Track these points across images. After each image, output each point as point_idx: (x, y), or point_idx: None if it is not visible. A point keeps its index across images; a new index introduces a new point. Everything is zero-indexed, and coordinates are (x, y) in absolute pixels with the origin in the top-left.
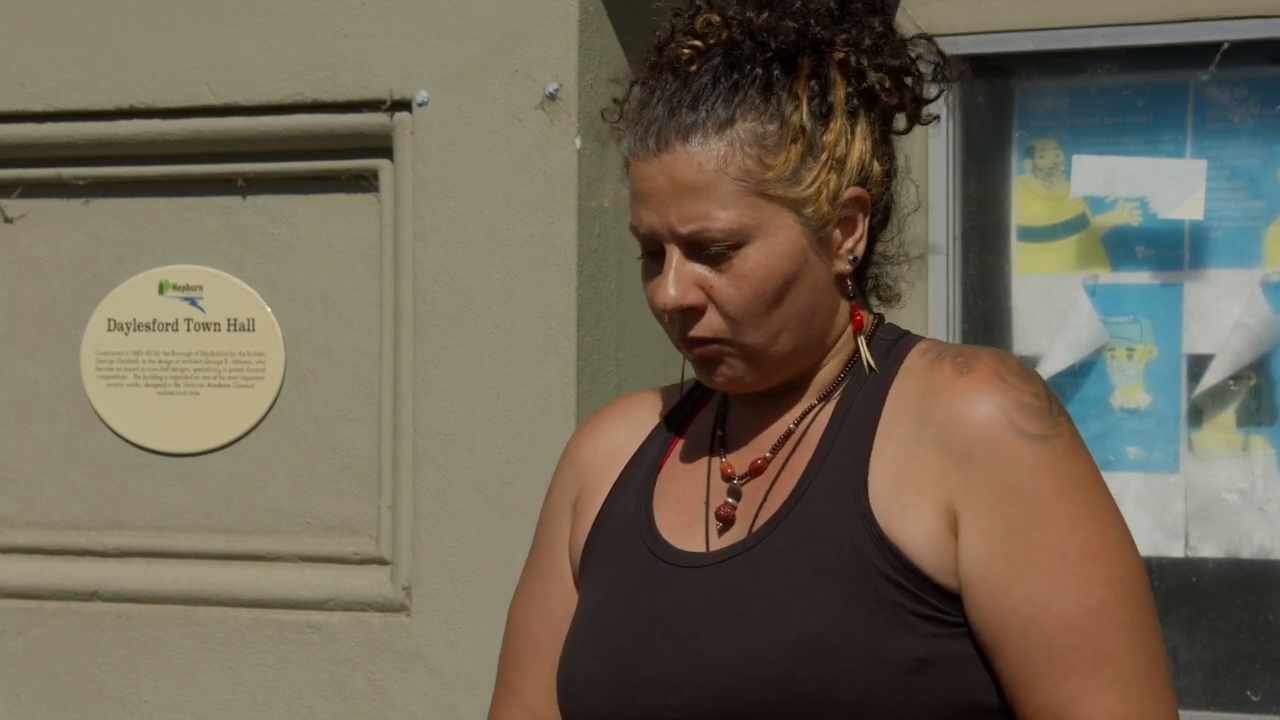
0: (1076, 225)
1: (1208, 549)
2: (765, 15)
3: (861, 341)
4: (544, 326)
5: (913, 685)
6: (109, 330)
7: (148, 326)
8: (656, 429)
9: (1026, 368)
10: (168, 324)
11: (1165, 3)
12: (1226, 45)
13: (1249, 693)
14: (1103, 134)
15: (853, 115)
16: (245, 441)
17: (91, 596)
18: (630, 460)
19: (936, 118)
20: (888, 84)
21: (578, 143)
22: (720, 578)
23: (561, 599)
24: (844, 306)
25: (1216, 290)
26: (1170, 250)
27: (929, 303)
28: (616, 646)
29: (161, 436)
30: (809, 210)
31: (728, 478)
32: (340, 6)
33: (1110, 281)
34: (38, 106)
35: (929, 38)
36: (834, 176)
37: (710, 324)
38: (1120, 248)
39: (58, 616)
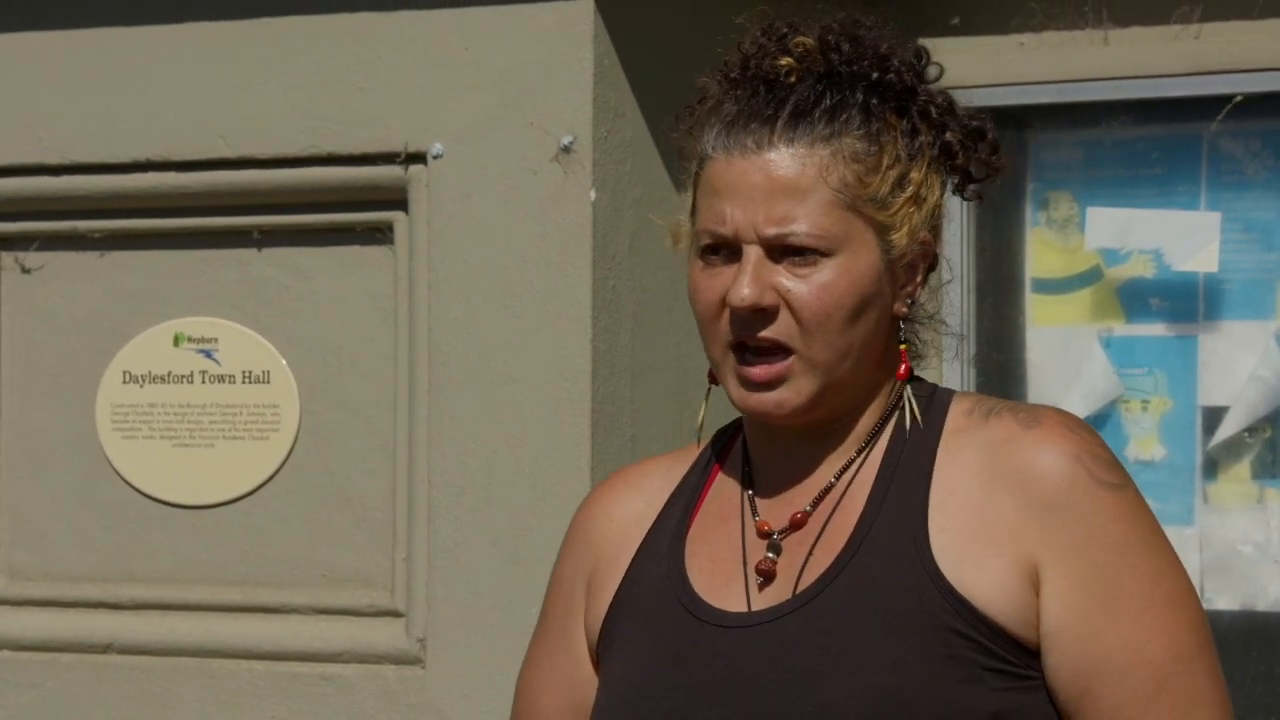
0: (1091, 277)
1: (1223, 601)
2: (854, 49)
3: (909, 393)
4: (558, 379)
5: None
6: (124, 382)
7: (163, 379)
8: (674, 495)
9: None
10: (183, 376)
11: (1178, 55)
12: (1239, 98)
13: None
14: (1117, 186)
15: (933, 163)
16: (260, 494)
17: (106, 649)
18: (651, 528)
19: (980, 197)
20: (960, 143)
21: (592, 195)
22: (775, 636)
23: (570, 672)
24: (892, 349)
25: (1231, 342)
26: (1185, 302)
27: (942, 354)
28: (664, 713)
29: (176, 489)
30: (893, 237)
31: (765, 534)
32: (355, 60)
33: (1125, 333)
34: (54, 159)
35: (988, 119)
36: (916, 213)
37: (783, 328)
38: (1134, 300)
39: (73, 669)
